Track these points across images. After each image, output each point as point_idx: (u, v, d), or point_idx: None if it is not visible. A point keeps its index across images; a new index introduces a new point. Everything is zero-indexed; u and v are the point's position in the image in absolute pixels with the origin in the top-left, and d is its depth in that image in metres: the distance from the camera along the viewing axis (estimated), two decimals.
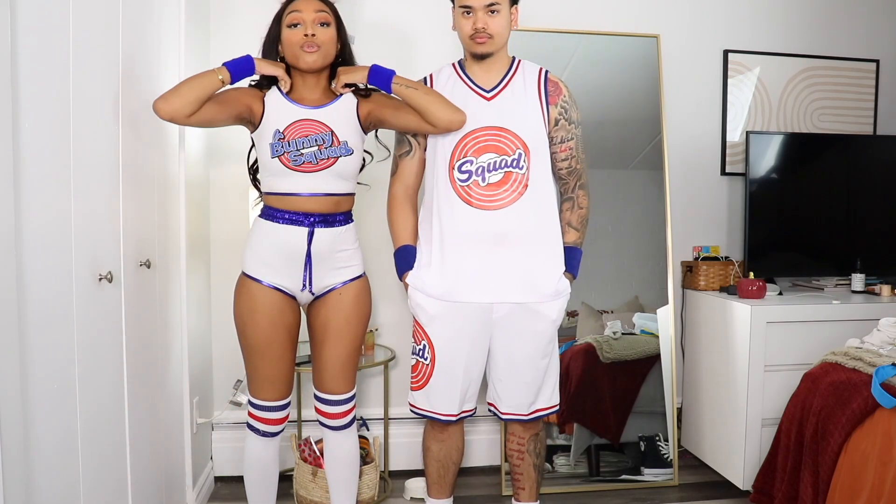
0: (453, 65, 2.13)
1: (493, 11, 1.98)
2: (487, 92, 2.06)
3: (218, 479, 2.78)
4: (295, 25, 1.93)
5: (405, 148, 2.15)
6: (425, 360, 2.12)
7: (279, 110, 1.96)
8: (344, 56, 2.03)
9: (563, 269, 2.12)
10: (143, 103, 1.94)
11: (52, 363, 1.37)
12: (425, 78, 2.13)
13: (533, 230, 2.05)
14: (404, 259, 2.14)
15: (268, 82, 2.00)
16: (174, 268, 2.26)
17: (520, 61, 2.11)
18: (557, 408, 2.22)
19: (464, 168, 2.03)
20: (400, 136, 2.15)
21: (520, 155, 2.02)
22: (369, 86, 2.02)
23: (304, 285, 2.01)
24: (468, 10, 1.99)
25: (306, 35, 1.91)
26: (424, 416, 2.17)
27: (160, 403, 2.10)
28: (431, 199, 2.10)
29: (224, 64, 1.88)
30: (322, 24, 1.94)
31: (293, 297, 2.03)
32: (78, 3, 1.46)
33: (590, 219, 2.21)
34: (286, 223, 1.96)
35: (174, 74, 2.23)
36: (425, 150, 2.12)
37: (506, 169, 2.01)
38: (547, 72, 2.11)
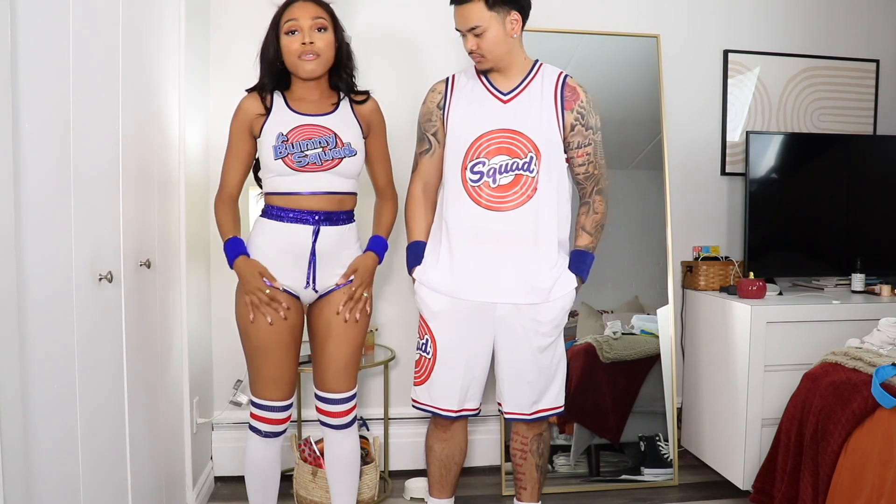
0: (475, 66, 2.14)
1: (476, 35, 1.99)
2: (504, 95, 2.07)
3: (218, 479, 2.78)
4: (292, 32, 1.94)
5: (425, 146, 2.16)
6: (427, 354, 2.13)
7: (282, 117, 1.98)
8: (341, 58, 2.03)
9: (568, 271, 2.11)
10: (143, 103, 1.95)
11: (51, 363, 1.37)
12: (447, 78, 2.14)
13: (539, 233, 2.05)
14: (415, 254, 2.16)
15: (270, 86, 2.01)
16: (174, 268, 2.26)
17: (541, 65, 2.10)
18: (563, 409, 2.21)
19: (476, 169, 2.03)
20: (421, 135, 2.17)
21: (531, 158, 2.02)
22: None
23: (308, 283, 2.01)
24: (461, 32, 2.03)
25: (304, 43, 1.92)
26: (425, 411, 2.18)
27: (160, 403, 2.10)
28: (443, 197, 2.12)
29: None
30: (319, 30, 1.95)
31: (296, 297, 2.03)
32: (78, 3, 1.45)
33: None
34: (291, 221, 1.97)
35: (174, 75, 2.23)
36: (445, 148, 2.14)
37: (516, 171, 2.02)
38: (566, 77, 2.10)
